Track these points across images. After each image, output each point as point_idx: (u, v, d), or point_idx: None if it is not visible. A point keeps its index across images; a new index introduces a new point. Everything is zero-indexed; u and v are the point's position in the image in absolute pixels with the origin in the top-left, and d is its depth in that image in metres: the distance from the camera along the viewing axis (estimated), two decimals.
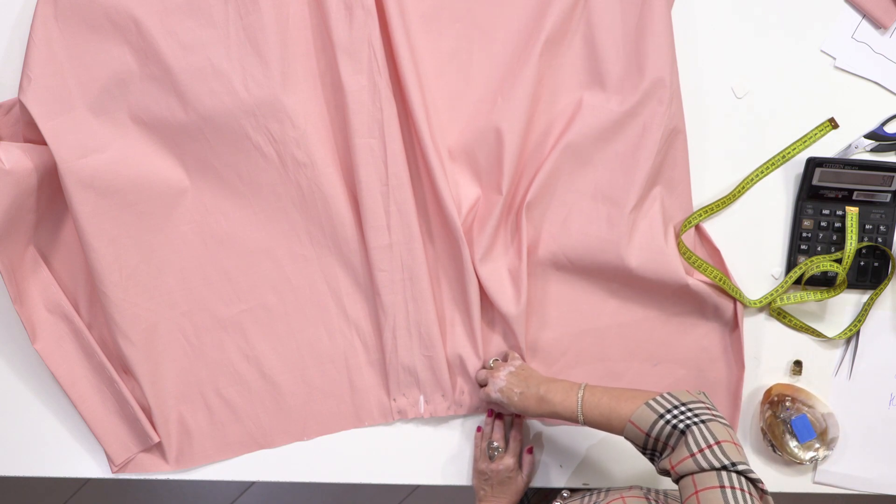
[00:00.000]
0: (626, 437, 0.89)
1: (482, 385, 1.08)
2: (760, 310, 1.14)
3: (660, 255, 1.07)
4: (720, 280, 1.09)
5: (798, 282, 1.12)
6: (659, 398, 0.87)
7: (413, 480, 1.14)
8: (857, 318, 1.13)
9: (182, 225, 1.09)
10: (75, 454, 1.12)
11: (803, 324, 1.13)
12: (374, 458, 1.13)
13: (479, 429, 1.12)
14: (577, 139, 1.07)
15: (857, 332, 1.14)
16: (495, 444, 1.07)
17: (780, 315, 1.13)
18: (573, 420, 0.94)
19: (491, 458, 1.07)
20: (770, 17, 1.13)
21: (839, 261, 1.11)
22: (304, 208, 1.08)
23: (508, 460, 1.06)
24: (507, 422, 1.11)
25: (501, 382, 1.02)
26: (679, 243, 1.09)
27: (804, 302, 1.12)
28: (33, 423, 1.12)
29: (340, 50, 1.03)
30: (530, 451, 1.11)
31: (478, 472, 1.09)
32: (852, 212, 1.10)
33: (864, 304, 1.13)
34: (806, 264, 1.11)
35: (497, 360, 1.09)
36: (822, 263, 1.10)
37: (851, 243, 1.10)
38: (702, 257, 1.11)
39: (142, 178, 1.06)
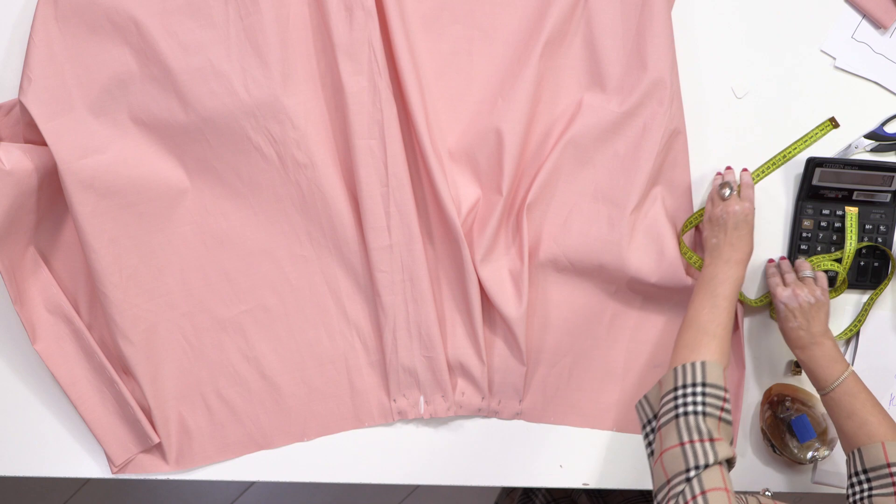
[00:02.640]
0: (852, 449, 0.93)
1: (778, 273, 1.06)
2: (760, 310, 1.14)
3: (660, 256, 1.08)
4: None
5: None
6: None
7: (413, 480, 1.14)
8: (856, 318, 1.13)
9: (182, 226, 1.09)
10: (75, 454, 1.12)
11: None
12: (374, 458, 1.13)
13: (718, 174, 1.08)
14: (577, 140, 1.07)
15: (857, 333, 1.14)
16: (728, 180, 1.03)
17: None
18: (819, 386, 0.99)
19: (723, 198, 1.03)
20: (770, 17, 1.13)
21: (839, 261, 1.11)
22: (304, 209, 1.08)
23: (745, 203, 1.01)
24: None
25: (795, 302, 1.01)
26: (680, 243, 1.09)
27: None
28: (33, 423, 1.12)
29: (340, 51, 1.03)
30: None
31: (709, 222, 1.03)
32: (852, 212, 1.10)
33: (864, 304, 1.13)
34: (812, 260, 1.10)
35: (815, 276, 1.04)
36: (822, 263, 1.10)
37: (851, 243, 1.10)
38: (702, 258, 1.12)
39: (142, 178, 1.06)
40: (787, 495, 1.15)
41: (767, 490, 1.03)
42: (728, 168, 1.08)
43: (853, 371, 0.98)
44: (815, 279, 1.03)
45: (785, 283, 1.04)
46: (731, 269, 0.98)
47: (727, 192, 1.02)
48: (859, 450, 0.93)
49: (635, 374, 1.13)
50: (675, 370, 0.89)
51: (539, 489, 1.30)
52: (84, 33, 1.03)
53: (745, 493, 0.94)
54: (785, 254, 1.14)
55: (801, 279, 1.03)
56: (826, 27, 1.13)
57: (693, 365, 0.88)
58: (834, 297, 1.11)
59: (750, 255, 1.01)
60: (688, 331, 0.94)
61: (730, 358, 0.94)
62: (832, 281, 1.12)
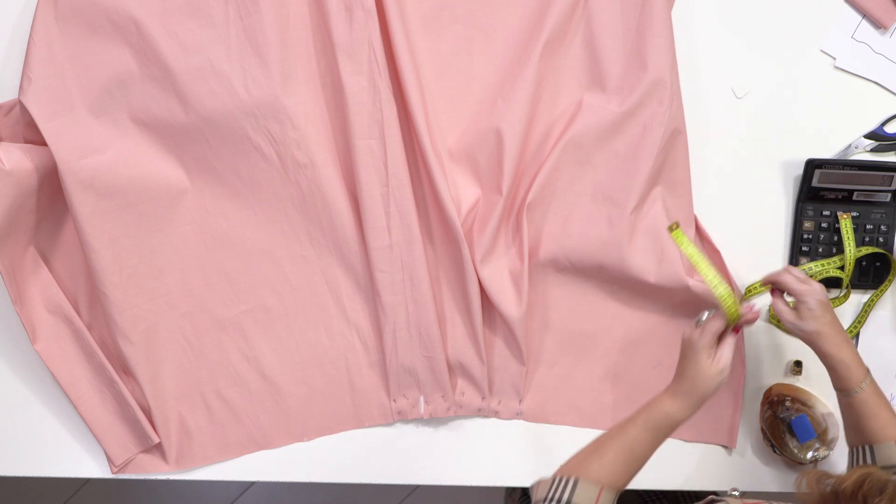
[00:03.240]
0: (862, 445, 0.91)
1: (790, 291, 0.96)
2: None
3: (660, 257, 1.08)
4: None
5: None
6: None
7: (413, 480, 1.14)
8: (857, 318, 1.13)
9: (182, 226, 1.09)
10: (75, 454, 1.12)
11: None
12: (374, 458, 1.13)
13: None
14: (577, 139, 1.07)
15: (857, 333, 1.14)
16: (706, 314, 0.95)
17: (779, 322, 1.12)
18: (849, 386, 0.93)
19: (696, 325, 0.94)
20: (770, 17, 1.13)
21: (842, 268, 1.10)
22: (304, 209, 1.08)
23: (694, 330, 0.92)
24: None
25: (824, 297, 0.94)
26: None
27: None
28: (33, 423, 1.12)
29: (340, 51, 1.03)
30: (736, 330, 0.93)
31: (685, 345, 0.94)
32: (845, 218, 1.10)
33: (865, 304, 1.13)
34: (810, 268, 1.10)
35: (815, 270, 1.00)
36: (826, 270, 1.09)
37: (850, 250, 1.09)
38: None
39: (142, 178, 1.06)
40: (788, 495, 1.15)
41: (735, 489, 1.01)
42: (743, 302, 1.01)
43: (869, 372, 0.96)
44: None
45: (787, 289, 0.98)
46: (664, 399, 0.92)
47: (698, 322, 0.95)
48: (871, 446, 0.92)
49: (635, 374, 1.13)
50: (551, 480, 0.88)
51: None
52: (84, 33, 1.03)
53: (716, 499, 0.93)
54: (787, 256, 1.14)
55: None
56: (826, 27, 1.13)
57: (567, 481, 0.87)
58: (839, 305, 1.11)
59: (694, 390, 0.90)
60: (593, 441, 0.92)
61: (620, 483, 0.89)
62: (835, 282, 1.11)
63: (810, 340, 0.96)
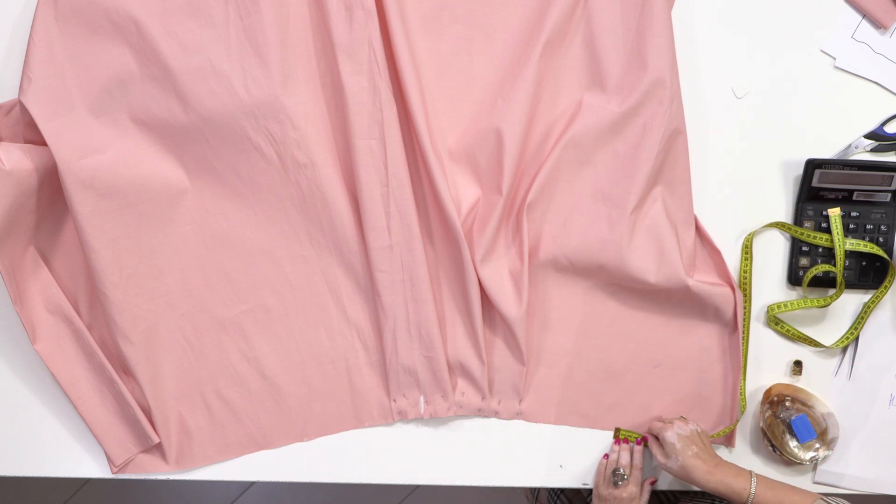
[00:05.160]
0: None
1: (654, 432, 1.09)
2: (759, 311, 1.13)
3: (660, 257, 1.08)
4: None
5: (798, 283, 1.12)
6: (831, 499, 0.95)
7: (413, 480, 1.14)
8: (854, 322, 1.13)
9: (182, 226, 1.10)
10: (75, 454, 1.12)
11: (800, 333, 1.12)
12: (374, 458, 1.14)
13: (605, 456, 1.12)
14: (577, 139, 1.07)
15: (857, 335, 1.13)
16: (621, 470, 1.08)
17: (777, 324, 1.13)
18: (741, 499, 0.99)
19: (615, 485, 1.07)
20: (770, 17, 1.13)
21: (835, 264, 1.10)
22: (304, 209, 1.08)
23: (632, 488, 1.07)
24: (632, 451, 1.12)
25: (685, 432, 1.05)
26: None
27: (803, 308, 1.11)
28: (33, 423, 1.12)
29: (340, 51, 1.03)
30: (653, 482, 1.11)
31: (598, 497, 1.09)
32: (834, 213, 1.10)
33: (864, 305, 1.13)
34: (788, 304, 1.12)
35: (683, 417, 1.10)
36: (823, 266, 1.09)
37: (840, 246, 1.09)
38: (701, 257, 1.12)
39: (142, 178, 1.06)
40: None
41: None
42: (618, 444, 1.12)
43: (752, 472, 1.02)
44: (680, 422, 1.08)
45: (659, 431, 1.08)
46: None
47: (619, 481, 1.07)
48: None
49: (635, 374, 1.13)
50: None
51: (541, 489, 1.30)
52: (84, 33, 1.03)
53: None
54: (787, 256, 1.14)
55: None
56: (826, 27, 1.13)
57: None
58: (832, 301, 1.11)
59: None
60: None
61: None
62: (831, 283, 1.11)
63: (682, 476, 1.03)
